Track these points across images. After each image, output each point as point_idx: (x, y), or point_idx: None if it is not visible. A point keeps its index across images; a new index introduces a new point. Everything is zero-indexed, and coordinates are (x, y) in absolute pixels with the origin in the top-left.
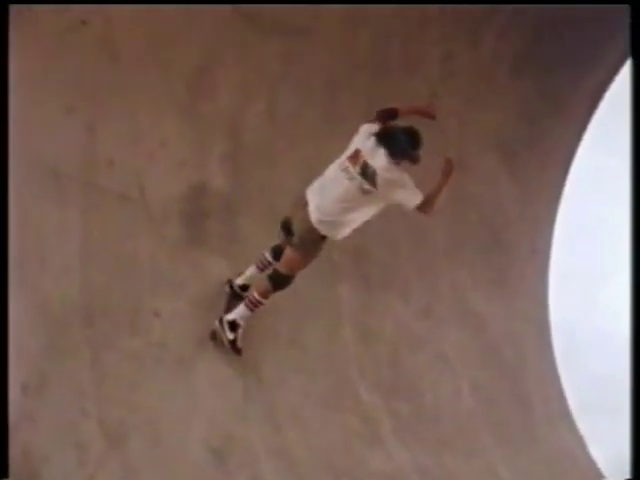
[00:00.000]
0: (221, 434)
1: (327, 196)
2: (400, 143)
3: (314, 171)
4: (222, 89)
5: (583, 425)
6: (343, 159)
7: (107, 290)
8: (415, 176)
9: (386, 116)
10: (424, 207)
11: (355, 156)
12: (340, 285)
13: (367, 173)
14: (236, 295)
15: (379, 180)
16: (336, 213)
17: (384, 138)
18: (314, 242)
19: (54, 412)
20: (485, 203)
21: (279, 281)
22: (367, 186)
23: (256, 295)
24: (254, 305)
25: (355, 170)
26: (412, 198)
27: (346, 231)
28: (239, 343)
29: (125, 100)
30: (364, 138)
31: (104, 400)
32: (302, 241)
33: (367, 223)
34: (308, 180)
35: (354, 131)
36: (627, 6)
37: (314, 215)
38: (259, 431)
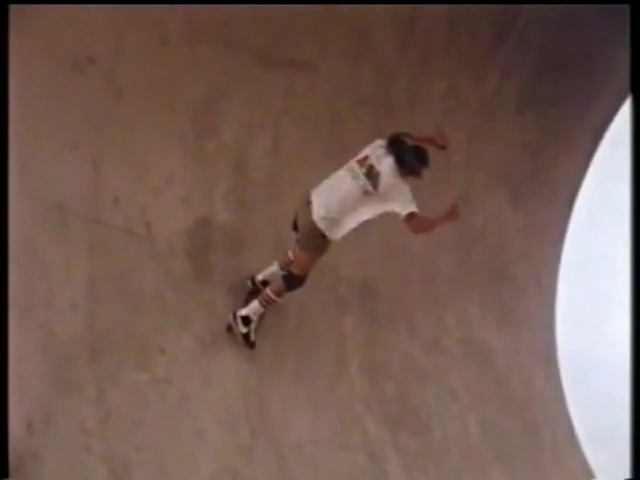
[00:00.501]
0: (228, 471)
1: (331, 194)
2: (408, 155)
3: None
4: (227, 124)
5: (592, 455)
6: (351, 162)
7: (113, 326)
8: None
9: (399, 138)
10: (414, 221)
11: (363, 159)
12: (346, 319)
13: (371, 175)
14: (256, 290)
15: (381, 183)
16: (337, 211)
17: (394, 147)
18: (316, 240)
19: (59, 449)
20: (491, 237)
21: (292, 281)
22: (369, 187)
23: (270, 293)
24: (267, 302)
25: (361, 171)
26: (406, 206)
27: (342, 231)
28: (252, 337)
29: (131, 136)
30: (375, 147)
31: (109, 437)
32: (305, 238)
33: (374, 257)
34: None
35: None
36: (627, 7)
37: (316, 212)
38: (266, 468)
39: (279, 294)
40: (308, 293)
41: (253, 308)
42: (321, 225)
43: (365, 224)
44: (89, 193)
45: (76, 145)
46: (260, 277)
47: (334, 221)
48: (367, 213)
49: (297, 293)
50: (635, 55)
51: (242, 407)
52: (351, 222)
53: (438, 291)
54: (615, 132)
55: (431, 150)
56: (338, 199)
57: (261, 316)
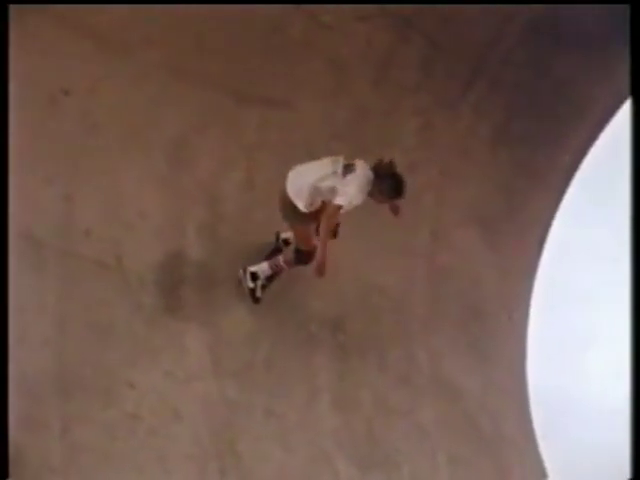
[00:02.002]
0: None
1: (305, 168)
2: (387, 178)
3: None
4: (201, 159)
5: None
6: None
7: (82, 360)
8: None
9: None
10: (333, 214)
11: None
12: (317, 355)
13: (348, 167)
14: (278, 248)
15: (351, 177)
16: (302, 182)
17: (378, 167)
18: (291, 211)
19: None
20: (463, 274)
21: (300, 255)
22: (339, 171)
23: (280, 260)
24: (277, 268)
25: (343, 162)
26: (357, 198)
27: (302, 202)
28: (258, 293)
29: (105, 170)
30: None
31: (74, 474)
32: (284, 212)
33: (345, 292)
34: None
35: None
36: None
37: (289, 184)
38: None
39: (288, 264)
40: (279, 328)
41: (262, 267)
42: (291, 195)
43: (338, 260)
44: (61, 225)
45: (50, 178)
46: (284, 235)
47: (298, 191)
48: (324, 188)
49: (268, 328)
50: (635, 55)
51: (211, 444)
52: (307, 192)
53: (409, 327)
54: (586, 172)
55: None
56: (308, 171)
57: (268, 278)
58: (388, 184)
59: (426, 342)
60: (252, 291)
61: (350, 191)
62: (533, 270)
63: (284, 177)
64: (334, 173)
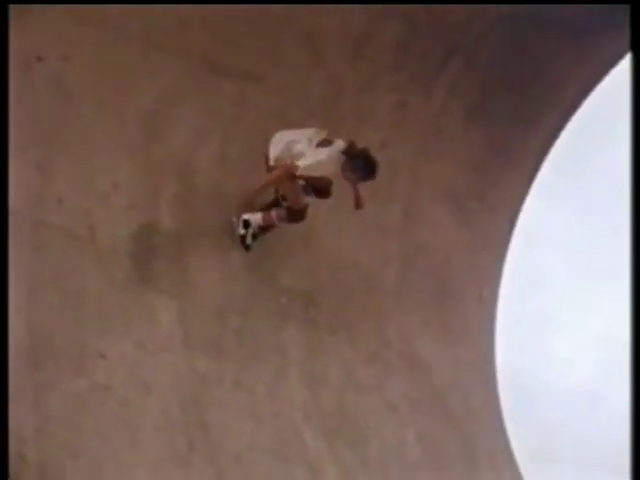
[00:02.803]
0: None
1: (288, 134)
2: (360, 157)
3: None
4: (175, 131)
5: (528, 474)
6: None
7: (54, 330)
8: None
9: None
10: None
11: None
12: (288, 328)
13: (324, 142)
14: (275, 201)
15: (325, 148)
16: (278, 146)
17: (352, 149)
18: (267, 164)
19: None
20: (435, 251)
21: (290, 212)
22: (315, 141)
23: (273, 214)
24: (269, 220)
25: (322, 134)
26: (321, 166)
27: (273, 153)
28: (248, 240)
29: (79, 140)
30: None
31: (45, 446)
32: (267, 167)
33: (317, 267)
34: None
35: None
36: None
37: (271, 144)
38: (202, 477)
39: (279, 219)
40: (250, 301)
41: (255, 217)
42: (270, 148)
43: (312, 236)
44: (34, 195)
45: (24, 146)
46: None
47: (274, 146)
48: (294, 150)
49: (239, 301)
50: (635, 55)
51: (181, 415)
52: (279, 148)
53: (380, 303)
54: (558, 153)
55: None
56: (291, 134)
57: (260, 228)
58: (361, 163)
59: (397, 319)
60: (243, 238)
61: (314, 158)
62: (504, 249)
63: (258, 151)
64: (309, 140)
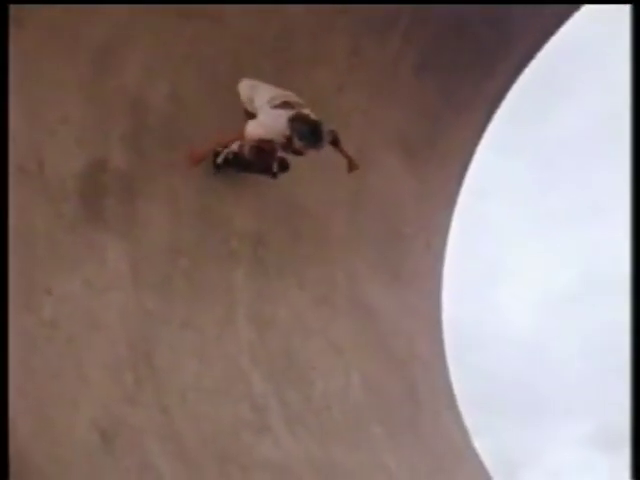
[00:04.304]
0: (110, 418)
1: (256, 86)
2: (306, 125)
3: None
4: (127, 68)
5: (469, 420)
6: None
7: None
8: None
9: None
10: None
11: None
12: (236, 270)
13: (282, 106)
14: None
15: (275, 112)
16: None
17: (296, 119)
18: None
19: None
20: (384, 197)
21: (253, 149)
22: (276, 103)
23: (245, 145)
24: (240, 149)
25: (286, 99)
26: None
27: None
28: (219, 160)
29: (27, 71)
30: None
31: None
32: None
33: (268, 211)
34: (210, 163)
35: None
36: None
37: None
38: (148, 415)
39: (248, 153)
40: (200, 242)
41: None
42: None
43: (263, 179)
44: None
45: None
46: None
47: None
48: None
49: (188, 241)
50: (635, 55)
51: (128, 353)
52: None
53: (329, 247)
54: (509, 106)
55: (332, 107)
56: (260, 87)
57: (234, 154)
58: (306, 130)
59: (345, 263)
60: (215, 155)
61: (260, 120)
62: (453, 198)
63: (210, 90)
64: (270, 100)
